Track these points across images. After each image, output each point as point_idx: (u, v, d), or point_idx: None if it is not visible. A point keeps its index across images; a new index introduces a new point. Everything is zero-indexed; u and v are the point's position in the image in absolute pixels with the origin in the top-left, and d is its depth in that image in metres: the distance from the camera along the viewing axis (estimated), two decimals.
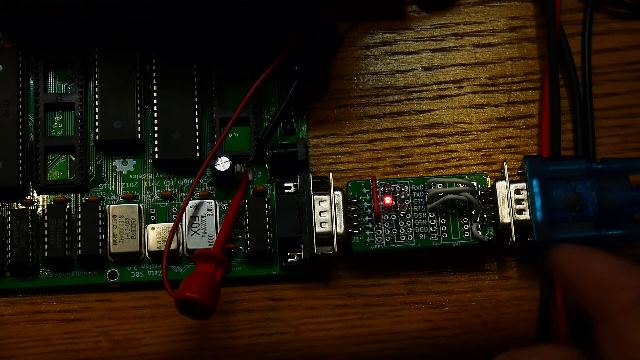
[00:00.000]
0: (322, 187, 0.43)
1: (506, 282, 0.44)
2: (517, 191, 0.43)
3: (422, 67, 0.47)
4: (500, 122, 0.47)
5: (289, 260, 0.43)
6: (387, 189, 0.44)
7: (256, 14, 0.46)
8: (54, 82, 0.46)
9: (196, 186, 0.44)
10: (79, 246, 0.43)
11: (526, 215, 0.42)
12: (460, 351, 0.43)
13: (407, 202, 0.44)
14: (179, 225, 0.43)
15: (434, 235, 0.43)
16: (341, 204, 0.43)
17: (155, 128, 0.44)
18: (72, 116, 0.45)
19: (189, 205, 0.43)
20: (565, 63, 0.47)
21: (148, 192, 0.44)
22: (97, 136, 0.44)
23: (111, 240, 0.43)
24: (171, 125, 0.44)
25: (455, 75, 0.47)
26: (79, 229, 0.43)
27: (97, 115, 0.44)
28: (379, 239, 0.43)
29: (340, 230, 0.43)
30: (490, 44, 0.48)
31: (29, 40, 0.46)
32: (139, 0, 0.44)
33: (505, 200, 0.43)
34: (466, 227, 0.43)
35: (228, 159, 0.43)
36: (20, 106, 0.44)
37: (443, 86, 0.47)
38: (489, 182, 0.44)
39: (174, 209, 0.44)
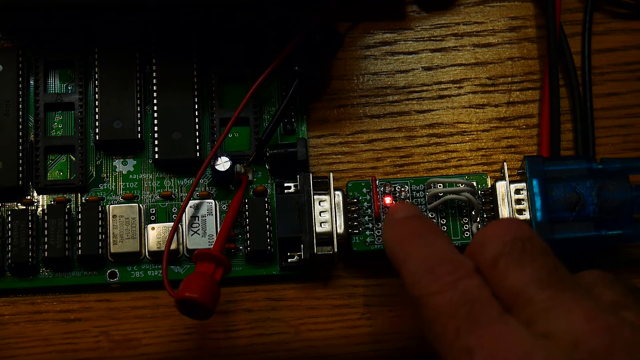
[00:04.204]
0: (322, 187, 0.43)
1: None
2: (517, 191, 0.43)
3: (422, 67, 0.47)
4: (500, 122, 0.47)
5: (289, 260, 0.43)
6: (387, 189, 0.44)
7: (256, 14, 0.46)
8: (54, 82, 0.46)
9: (196, 186, 0.44)
10: (79, 246, 0.43)
11: (526, 215, 0.42)
12: None
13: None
14: (179, 225, 0.43)
15: None
16: (341, 204, 0.43)
17: (155, 128, 0.44)
18: (72, 116, 0.45)
19: (189, 205, 0.43)
20: (565, 63, 0.47)
21: (148, 192, 0.44)
22: (97, 136, 0.44)
23: (111, 240, 0.43)
24: (171, 125, 0.44)
25: (455, 75, 0.47)
26: (79, 229, 0.43)
27: (97, 115, 0.44)
28: (379, 239, 0.43)
29: (340, 230, 0.43)
30: (490, 44, 0.48)
31: (29, 40, 0.46)
32: (139, 0, 0.44)
33: (505, 200, 0.43)
34: (466, 227, 0.43)
35: (228, 159, 0.43)
36: (20, 106, 0.44)
37: (443, 86, 0.47)
38: (489, 182, 0.44)
39: (174, 209, 0.44)
